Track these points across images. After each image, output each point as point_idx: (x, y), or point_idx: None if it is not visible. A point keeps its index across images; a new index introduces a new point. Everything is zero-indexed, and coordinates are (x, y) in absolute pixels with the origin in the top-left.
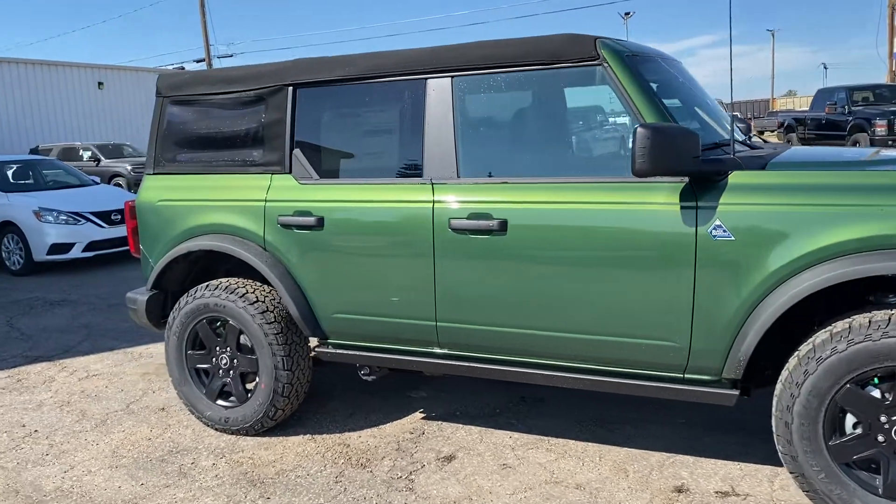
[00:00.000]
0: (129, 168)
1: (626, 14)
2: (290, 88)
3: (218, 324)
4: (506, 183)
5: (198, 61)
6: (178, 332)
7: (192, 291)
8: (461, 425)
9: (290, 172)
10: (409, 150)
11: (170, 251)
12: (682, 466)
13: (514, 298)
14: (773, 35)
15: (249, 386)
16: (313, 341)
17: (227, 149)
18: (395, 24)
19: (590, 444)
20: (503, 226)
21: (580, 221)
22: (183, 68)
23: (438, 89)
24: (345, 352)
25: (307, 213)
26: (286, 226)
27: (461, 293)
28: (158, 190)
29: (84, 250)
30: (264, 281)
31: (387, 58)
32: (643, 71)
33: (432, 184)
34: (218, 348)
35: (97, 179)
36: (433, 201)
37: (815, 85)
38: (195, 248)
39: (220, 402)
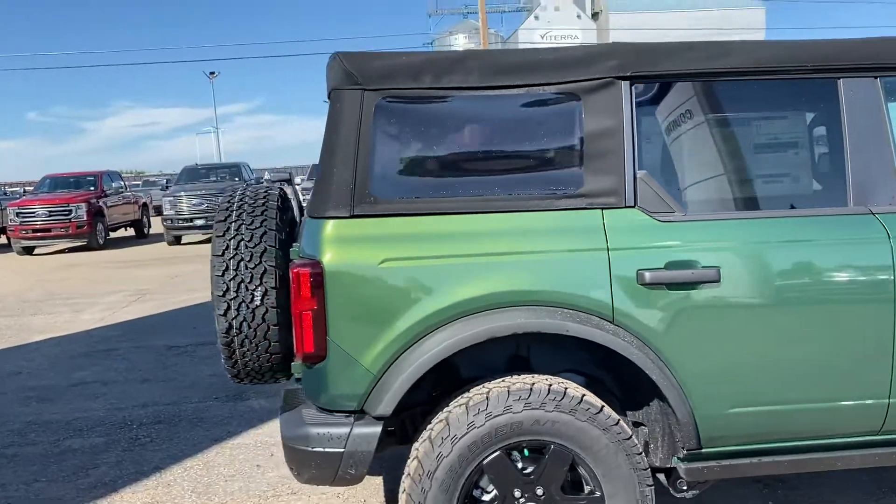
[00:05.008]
0: None
1: (212, 73)
2: (626, 83)
3: (518, 453)
4: None
5: None
6: (448, 478)
7: (480, 405)
8: None
9: (634, 206)
10: (819, 171)
11: (429, 342)
12: None
13: None
14: None
15: None
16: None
17: (506, 173)
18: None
19: None
20: None
21: None
22: None
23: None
24: (730, 462)
25: (691, 265)
26: (653, 285)
27: None
28: (376, 244)
29: None
30: (564, 374)
31: (784, 49)
32: None
33: (873, 213)
34: (519, 492)
35: None
36: (889, 237)
37: None
38: (502, 332)
39: None
